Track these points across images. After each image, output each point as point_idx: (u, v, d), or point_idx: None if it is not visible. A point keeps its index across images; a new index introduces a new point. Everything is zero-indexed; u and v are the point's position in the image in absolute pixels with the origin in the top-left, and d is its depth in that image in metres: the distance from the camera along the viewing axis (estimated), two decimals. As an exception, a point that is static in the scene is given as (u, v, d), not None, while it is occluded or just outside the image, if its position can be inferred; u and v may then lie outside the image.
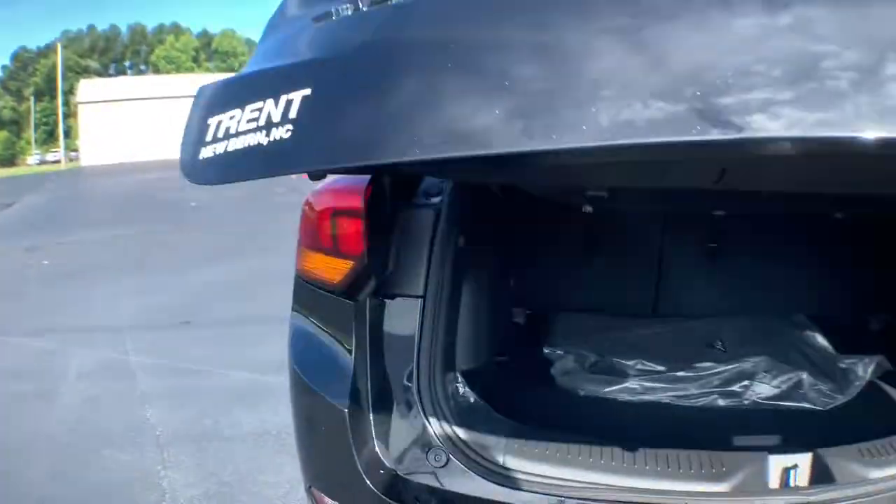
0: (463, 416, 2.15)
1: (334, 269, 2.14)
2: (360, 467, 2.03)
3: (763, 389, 2.77)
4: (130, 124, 42.20)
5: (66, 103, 56.28)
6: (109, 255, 11.83)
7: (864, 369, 2.86)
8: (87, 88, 48.81)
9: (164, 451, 4.38)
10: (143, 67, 76.20)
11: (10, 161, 61.23)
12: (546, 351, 3.14)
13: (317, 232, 2.22)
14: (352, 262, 2.10)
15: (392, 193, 2.20)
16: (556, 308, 3.63)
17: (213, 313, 7.76)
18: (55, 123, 59.30)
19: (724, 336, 3.26)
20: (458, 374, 2.31)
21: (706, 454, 2.12)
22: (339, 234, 2.14)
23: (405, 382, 2.11)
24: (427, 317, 2.14)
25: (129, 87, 48.52)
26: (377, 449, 2.05)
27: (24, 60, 70.17)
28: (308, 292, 2.30)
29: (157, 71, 69.54)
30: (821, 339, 3.23)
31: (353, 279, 2.12)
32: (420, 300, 2.15)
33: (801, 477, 2.09)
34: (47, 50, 65.65)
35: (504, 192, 3.11)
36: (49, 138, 63.21)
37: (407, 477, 2.03)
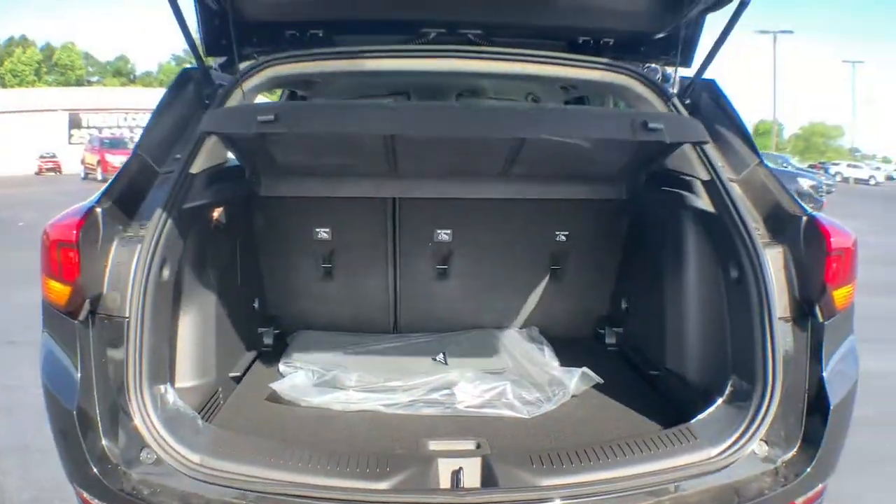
0: (171, 422, 2.40)
1: (60, 294, 2.37)
2: (91, 462, 2.30)
3: (465, 398, 2.96)
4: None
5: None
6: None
7: (570, 380, 3.10)
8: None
9: (1, 461, 4.48)
10: (-8, 81, 73.22)
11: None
12: (281, 367, 3.34)
13: (48, 260, 2.42)
14: (70, 288, 2.34)
15: (105, 226, 2.41)
16: (303, 327, 3.87)
17: (38, 333, 7.67)
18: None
19: (451, 349, 3.52)
20: (170, 386, 2.55)
21: (379, 456, 2.35)
22: (62, 263, 2.36)
23: (121, 390, 2.36)
24: (133, 336, 2.36)
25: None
26: (105, 446, 2.32)
27: None
28: (49, 314, 2.48)
29: (2, 84, 66.76)
30: (546, 351, 3.52)
31: (71, 302, 2.34)
32: (126, 321, 2.36)
33: (468, 479, 2.29)
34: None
35: (233, 225, 3.29)
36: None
37: (128, 471, 2.30)
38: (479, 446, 2.56)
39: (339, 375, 3.16)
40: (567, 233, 3.83)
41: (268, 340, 3.74)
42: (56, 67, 73.99)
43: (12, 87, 62.72)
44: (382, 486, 2.19)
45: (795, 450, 2.38)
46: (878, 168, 55.29)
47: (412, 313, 3.96)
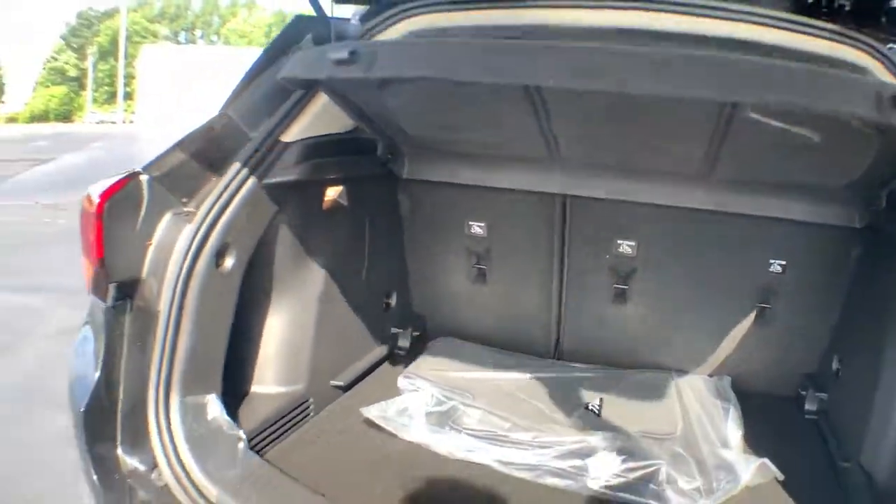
0: (201, 441, 2.04)
1: (88, 273, 2.06)
2: (93, 470, 2.01)
3: (602, 474, 2.34)
4: (190, 92, 42.67)
5: (129, 65, 58.06)
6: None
7: (744, 471, 2.40)
8: (150, 54, 49.53)
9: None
10: (213, 38, 78.42)
11: (67, 117, 63.21)
12: (400, 382, 2.85)
13: (81, 231, 2.08)
14: (92, 266, 2.01)
15: (153, 196, 2.02)
16: (449, 334, 3.36)
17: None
18: (117, 85, 61.42)
19: (614, 393, 2.88)
20: (216, 398, 2.16)
21: None
22: (87, 236, 2.02)
23: (146, 397, 2.01)
24: (163, 333, 1.99)
25: (192, 56, 49.03)
26: (119, 456, 2.00)
27: (88, 18, 72.46)
28: (91, 298, 2.15)
29: (227, 43, 71.33)
30: (731, 413, 2.78)
31: (95, 285, 2.02)
32: (157, 315, 2.00)
33: None
34: (113, 12, 67.68)
35: (360, 208, 2.85)
36: (111, 98, 65.19)
37: (134, 486, 1.99)
38: None
39: (459, 408, 2.64)
40: (784, 262, 3.02)
41: (403, 343, 3.24)
42: (289, 31, 79.31)
43: (238, 46, 66.80)
44: None
45: None
46: None
47: (578, 339, 3.30)
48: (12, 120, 62.50)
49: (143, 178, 2.00)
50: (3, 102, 71.56)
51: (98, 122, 57.03)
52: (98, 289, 2.00)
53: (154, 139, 31.46)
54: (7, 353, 5.50)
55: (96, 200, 1.96)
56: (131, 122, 53.54)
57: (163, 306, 1.99)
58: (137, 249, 2.00)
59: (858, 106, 1.78)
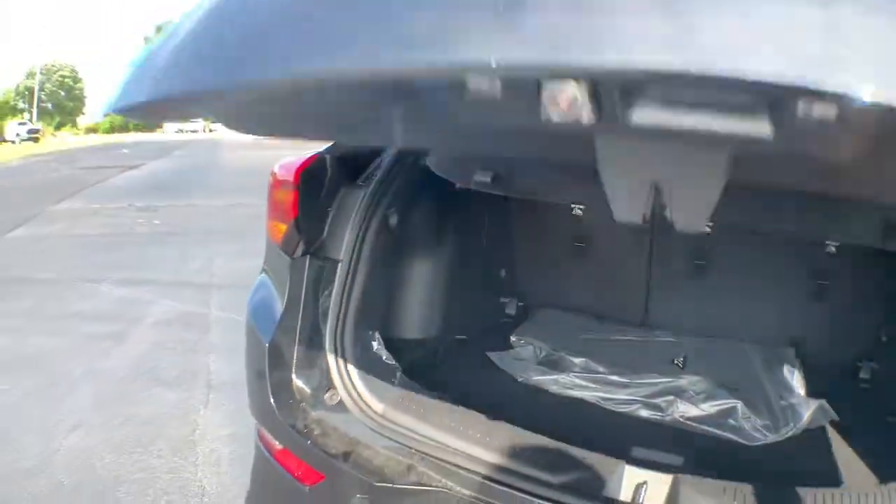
0: (365, 368, 2.43)
1: (278, 232, 2.50)
2: (270, 395, 2.36)
3: (688, 409, 2.76)
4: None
5: (209, 77, 59.23)
6: (217, 221, 12.26)
7: (805, 411, 2.78)
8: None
9: (210, 394, 4.78)
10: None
11: (148, 127, 64.77)
12: (512, 339, 3.30)
13: (271, 200, 2.58)
14: (286, 226, 2.45)
15: (336, 172, 2.51)
16: (550, 305, 3.76)
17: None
18: (198, 97, 62.61)
19: (694, 354, 3.28)
20: (377, 334, 2.60)
21: (566, 449, 2.20)
22: (281, 202, 2.48)
23: (324, 329, 2.43)
24: (343, 278, 2.44)
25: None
26: (291, 381, 2.39)
27: (168, 29, 74.48)
28: (270, 251, 2.65)
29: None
30: (795, 376, 3.14)
31: (287, 241, 2.45)
32: (341, 263, 2.45)
33: (650, 498, 2.01)
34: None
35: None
36: (193, 110, 66.64)
37: (306, 408, 2.36)
38: (682, 463, 2.29)
39: (566, 357, 3.09)
40: (837, 244, 3.28)
41: (510, 311, 3.71)
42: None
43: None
44: (548, 477, 2.06)
45: None
46: None
47: (663, 309, 3.69)
48: (92, 130, 64.50)
49: (327, 156, 2.52)
50: (83, 114, 73.93)
51: (178, 132, 58.55)
52: (289, 244, 2.45)
53: (232, 147, 32.28)
54: (120, 340, 6.03)
55: (292, 173, 2.45)
56: (211, 130, 54.71)
57: (343, 257, 2.46)
58: (322, 213, 2.49)
59: (865, 238, 2.31)
